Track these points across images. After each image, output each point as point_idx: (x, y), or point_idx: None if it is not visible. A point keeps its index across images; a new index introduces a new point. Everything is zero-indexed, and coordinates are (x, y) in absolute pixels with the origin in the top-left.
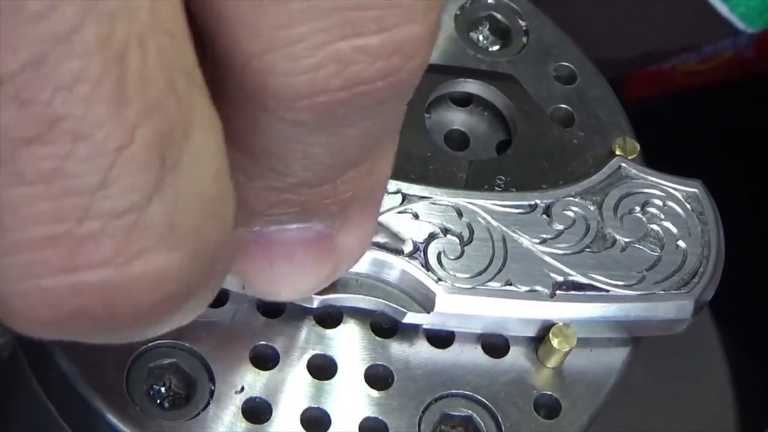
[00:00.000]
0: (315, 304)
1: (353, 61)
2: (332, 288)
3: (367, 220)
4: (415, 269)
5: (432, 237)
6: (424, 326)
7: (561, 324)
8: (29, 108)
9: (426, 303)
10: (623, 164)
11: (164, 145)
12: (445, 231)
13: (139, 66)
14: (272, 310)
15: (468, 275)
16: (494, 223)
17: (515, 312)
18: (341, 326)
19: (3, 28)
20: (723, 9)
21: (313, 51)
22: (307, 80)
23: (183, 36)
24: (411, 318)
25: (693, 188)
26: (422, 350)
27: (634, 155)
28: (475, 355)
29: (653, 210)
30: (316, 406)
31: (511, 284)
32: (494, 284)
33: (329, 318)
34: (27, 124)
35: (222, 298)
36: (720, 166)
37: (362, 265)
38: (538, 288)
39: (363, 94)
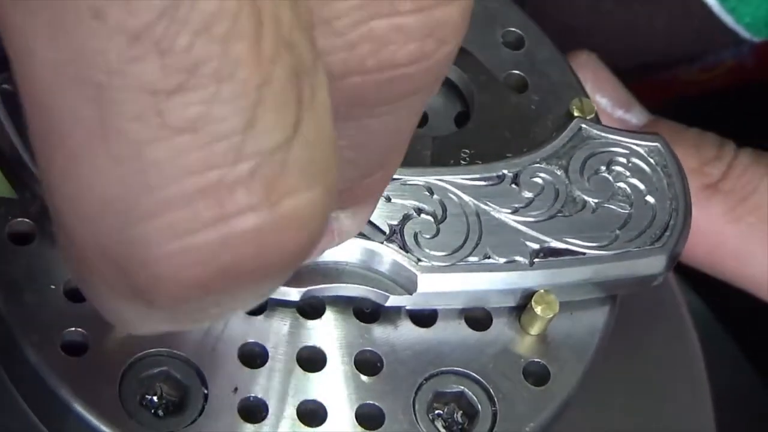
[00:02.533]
0: (297, 297)
1: (388, 40)
2: (313, 279)
3: (367, 209)
4: (393, 252)
5: (406, 218)
6: (407, 307)
7: (542, 291)
8: (170, 57)
9: (408, 285)
10: (584, 125)
11: (299, 81)
12: (419, 210)
13: (270, 1)
14: (255, 308)
15: (446, 252)
16: (465, 197)
17: (496, 284)
18: (325, 316)
19: None
20: (728, 20)
21: (349, 29)
22: (341, 59)
23: None
24: (394, 301)
25: (654, 142)
26: (407, 331)
27: (592, 114)
28: (460, 330)
29: (619, 168)
30: (310, 398)
31: (489, 257)
32: (473, 258)
33: (312, 309)
34: (169, 74)
35: None
36: None
37: (342, 254)
38: (517, 258)
39: (396, 78)
